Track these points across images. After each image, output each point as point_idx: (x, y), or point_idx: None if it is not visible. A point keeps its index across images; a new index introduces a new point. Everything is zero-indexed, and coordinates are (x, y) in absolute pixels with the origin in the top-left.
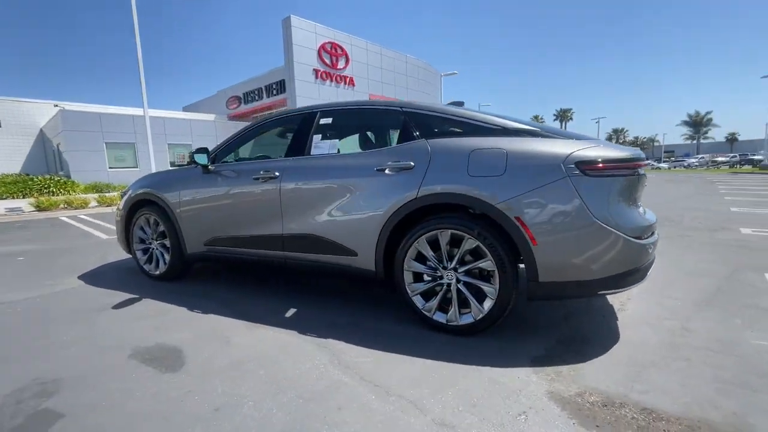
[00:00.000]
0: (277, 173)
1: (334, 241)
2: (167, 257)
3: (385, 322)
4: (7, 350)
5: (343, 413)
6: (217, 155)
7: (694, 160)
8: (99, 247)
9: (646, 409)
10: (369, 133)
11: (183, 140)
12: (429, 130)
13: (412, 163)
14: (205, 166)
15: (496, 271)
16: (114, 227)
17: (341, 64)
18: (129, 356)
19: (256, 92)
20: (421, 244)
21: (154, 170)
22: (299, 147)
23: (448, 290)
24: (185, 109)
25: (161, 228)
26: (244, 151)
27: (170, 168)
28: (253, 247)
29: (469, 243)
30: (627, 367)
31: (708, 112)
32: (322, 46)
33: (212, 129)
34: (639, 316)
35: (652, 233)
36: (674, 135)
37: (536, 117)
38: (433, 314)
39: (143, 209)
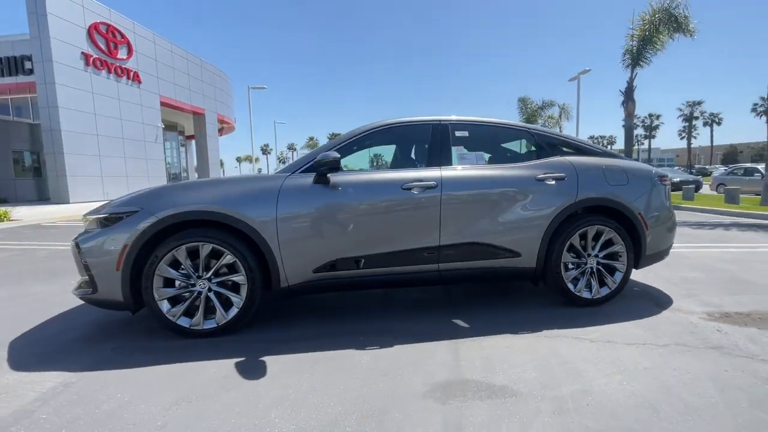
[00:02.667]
0: (434, 182)
1: (501, 246)
2: (236, 299)
3: (537, 311)
4: None
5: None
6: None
7: None
8: None
9: (740, 312)
10: (496, 148)
11: None
12: (557, 149)
13: (564, 175)
14: (323, 176)
15: (625, 253)
16: None
17: (122, 53)
18: (440, 399)
19: None
20: (575, 239)
21: None
22: (442, 157)
23: (591, 272)
24: None
25: (227, 260)
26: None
27: (221, 176)
28: (396, 265)
29: (607, 234)
30: (694, 298)
31: None
32: (95, 26)
33: None
34: (644, 273)
35: None
36: None
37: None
38: (582, 293)
39: (186, 236)
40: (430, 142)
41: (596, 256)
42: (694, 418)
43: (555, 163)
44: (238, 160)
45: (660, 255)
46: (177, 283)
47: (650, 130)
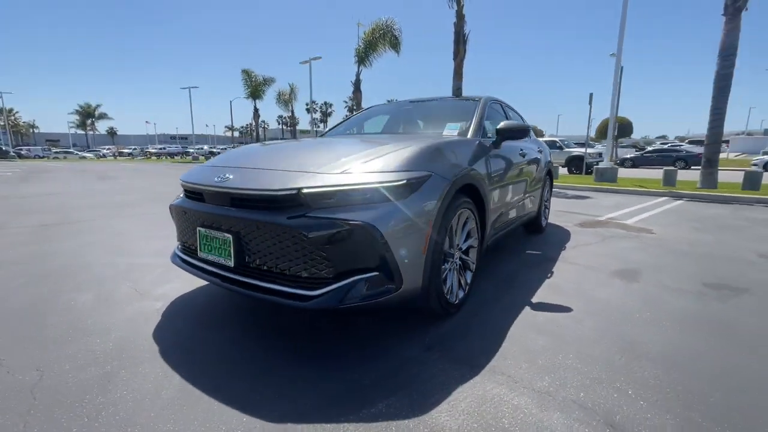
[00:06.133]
0: (522, 150)
1: (536, 198)
2: (471, 263)
3: (539, 242)
4: None
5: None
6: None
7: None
8: None
9: (581, 223)
10: None
11: None
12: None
13: (541, 150)
14: (499, 140)
15: (550, 196)
16: None
17: None
18: (626, 278)
19: None
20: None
21: None
22: None
23: (543, 211)
24: None
25: (470, 225)
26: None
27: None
28: (510, 218)
29: (548, 186)
30: (562, 222)
31: (98, 105)
32: None
33: None
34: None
35: None
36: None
37: None
38: (544, 224)
39: (458, 202)
40: (504, 116)
41: (544, 200)
42: (681, 251)
43: (536, 140)
44: None
45: None
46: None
47: (326, 116)
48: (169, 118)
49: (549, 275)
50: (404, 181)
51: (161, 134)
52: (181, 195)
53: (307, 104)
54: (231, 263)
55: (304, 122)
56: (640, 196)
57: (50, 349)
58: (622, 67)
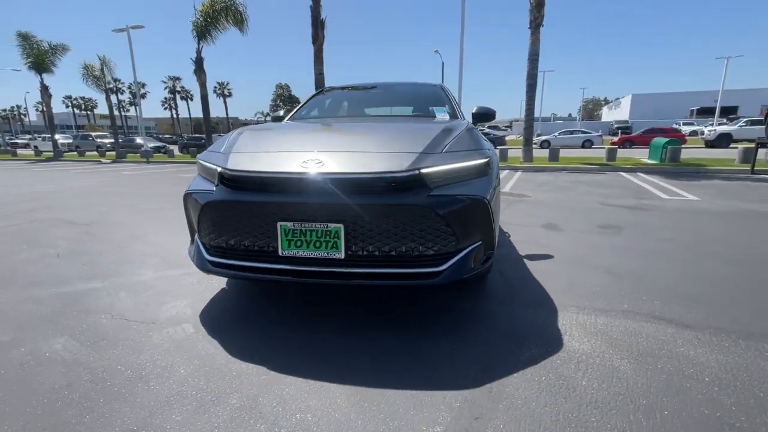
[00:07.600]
0: None
1: None
2: None
3: None
4: None
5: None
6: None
7: None
8: None
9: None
10: None
11: None
12: None
13: None
14: (475, 123)
15: None
16: None
17: None
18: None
19: None
20: None
21: None
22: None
23: None
24: None
25: None
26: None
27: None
28: None
29: None
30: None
31: None
32: None
33: None
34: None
35: None
36: None
37: None
38: None
39: None
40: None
41: None
42: (560, 207)
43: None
44: None
45: None
46: None
47: (135, 97)
48: None
49: (508, 235)
50: (488, 159)
51: None
52: (212, 188)
53: (110, 83)
54: (340, 255)
55: (102, 106)
56: None
57: (112, 414)
58: (442, 64)
